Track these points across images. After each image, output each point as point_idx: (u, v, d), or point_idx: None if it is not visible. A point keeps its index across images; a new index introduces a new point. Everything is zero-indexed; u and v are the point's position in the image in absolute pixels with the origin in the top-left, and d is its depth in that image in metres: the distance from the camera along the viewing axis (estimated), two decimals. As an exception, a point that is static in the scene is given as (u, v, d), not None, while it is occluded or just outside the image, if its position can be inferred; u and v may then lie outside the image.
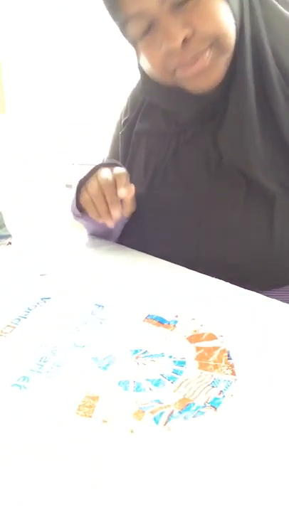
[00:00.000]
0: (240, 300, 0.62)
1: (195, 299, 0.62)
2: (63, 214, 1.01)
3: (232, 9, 0.63)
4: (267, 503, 0.34)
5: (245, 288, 0.64)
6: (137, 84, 0.84)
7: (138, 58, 0.70)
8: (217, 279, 0.67)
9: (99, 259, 0.77)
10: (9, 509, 0.34)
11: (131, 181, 0.78)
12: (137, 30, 0.64)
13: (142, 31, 0.64)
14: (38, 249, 0.83)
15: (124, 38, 0.68)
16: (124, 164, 0.84)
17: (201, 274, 0.69)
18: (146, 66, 0.68)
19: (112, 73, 2.29)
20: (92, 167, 0.80)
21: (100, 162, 0.82)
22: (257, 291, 0.63)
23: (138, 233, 0.80)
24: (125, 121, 0.85)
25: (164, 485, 0.35)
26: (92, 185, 0.76)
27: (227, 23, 0.62)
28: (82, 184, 0.79)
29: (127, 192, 0.73)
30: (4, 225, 0.88)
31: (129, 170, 0.81)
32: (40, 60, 2.50)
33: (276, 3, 0.68)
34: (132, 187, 0.74)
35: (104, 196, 0.75)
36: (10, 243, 0.86)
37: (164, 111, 0.78)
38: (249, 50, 0.66)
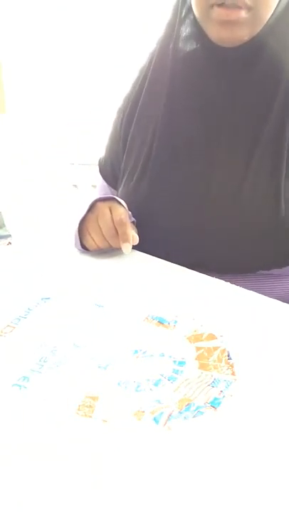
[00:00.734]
0: (240, 300, 0.62)
1: (195, 299, 0.62)
2: (63, 214, 1.01)
3: None
4: (267, 502, 0.34)
5: (244, 269, 0.66)
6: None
7: None
8: (217, 279, 0.67)
9: (99, 260, 0.77)
10: (9, 509, 0.34)
11: (133, 172, 0.81)
12: None
13: None
14: (38, 249, 0.83)
15: None
16: (125, 146, 0.85)
17: (201, 274, 0.69)
18: None
19: (112, 73, 2.29)
20: (88, 204, 0.80)
21: (97, 197, 0.82)
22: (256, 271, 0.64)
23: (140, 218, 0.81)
24: (126, 97, 0.86)
25: (164, 485, 0.35)
26: (96, 233, 0.77)
27: None
28: (81, 223, 0.79)
29: (130, 248, 0.74)
30: (4, 225, 0.88)
31: (131, 150, 0.83)
32: (40, 60, 2.50)
33: None
34: (136, 237, 0.75)
35: (109, 242, 0.77)
36: (10, 243, 0.86)
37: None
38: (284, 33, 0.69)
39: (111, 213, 0.76)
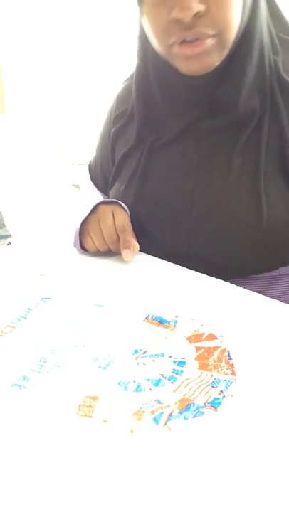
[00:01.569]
0: (240, 300, 0.62)
1: (195, 299, 0.62)
2: (64, 214, 1.01)
3: (245, 5, 0.64)
4: (267, 502, 0.34)
5: (234, 274, 0.66)
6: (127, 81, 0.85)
7: (140, 19, 0.69)
8: (217, 279, 0.67)
9: (99, 260, 0.77)
10: (9, 509, 0.34)
11: (124, 179, 0.80)
12: None
13: None
14: (38, 249, 0.83)
15: None
16: (116, 155, 0.85)
17: (201, 274, 0.69)
18: (147, 29, 0.68)
19: (113, 73, 2.29)
20: (91, 206, 0.80)
21: (99, 200, 0.82)
22: (249, 277, 0.64)
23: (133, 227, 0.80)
24: (116, 116, 0.86)
25: (164, 485, 0.35)
26: (97, 236, 0.77)
27: (236, 16, 0.63)
28: (83, 224, 0.79)
29: (131, 255, 0.74)
30: (4, 225, 0.88)
31: (122, 164, 0.82)
32: (40, 61, 2.50)
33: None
34: (137, 245, 0.75)
35: (109, 246, 0.77)
36: (10, 243, 0.86)
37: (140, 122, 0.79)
38: (252, 50, 0.67)
39: (114, 218, 0.77)
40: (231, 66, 0.67)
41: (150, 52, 0.72)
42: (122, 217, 0.77)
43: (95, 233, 0.77)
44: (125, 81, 0.87)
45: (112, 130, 0.86)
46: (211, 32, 0.62)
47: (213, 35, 0.63)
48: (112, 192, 0.86)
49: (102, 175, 0.93)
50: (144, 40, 0.72)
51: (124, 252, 0.74)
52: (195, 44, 0.63)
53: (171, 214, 0.75)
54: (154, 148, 0.78)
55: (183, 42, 0.64)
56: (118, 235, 0.75)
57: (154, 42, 0.68)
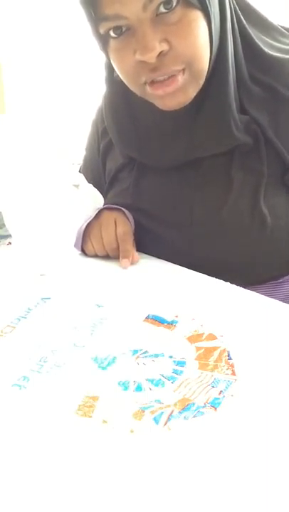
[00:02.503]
0: (240, 300, 0.62)
1: (195, 299, 0.62)
2: (64, 214, 1.01)
3: (211, 33, 0.61)
4: (267, 502, 0.34)
5: (238, 284, 0.65)
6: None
7: (107, 57, 0.67)
8: (217, 279, 0.67)
9: (99, 260, 0.77)
10: (9, 509, 0.34)
11: (117, 192, 0.80)
12: (112, 30, 0.61)
13: (118, 32, 0.60)
14: (38, 249, 0.83)
15: (92, 34, 0.64)
16: (107, 170, 0.85)
17: (201, 274, 0.69)
18: (116, 68, 0.66)
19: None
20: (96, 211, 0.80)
21: (103, 204, 0.82)
22: (246, 287, 0.64)
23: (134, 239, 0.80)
24: (104, 129, 0.84)
25: (164, 485, 0.35)
26: (97, 241, 0.77)
27: (203, 47, 0.61)
28: (85, 227, 0.79)
29: (129, 264, 0.74)
30: (4, 225, 0.88)
31: (115, 178, 0.82)
32: (40, 61, 2.50)
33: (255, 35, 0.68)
34: (136, 256, 0.75)
35: (108, 253, 0.77)
36: (10, 243, 0.86)
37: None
38: (227, 76, 0.65)
39: (116, 225, 0.77)
40: (208, 95, 0.66)
41: (122, 89, 0.70)
42: (123, 225, 0.77)
43: (96, 239, 0.77)
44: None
45: (101, 145, 0.86)
46: (178, 67, 0.60)
47: (182, 70, 0.61)
48: (105, 201, 0.85)
49: (94, 184, 0.93)
50: (112, 70, 0.70)
51: (123, 262, 0.74)
52: (166, 83, 0.62)
53: (169, 230, 0.75)
54: (145, 165, 0.77)
55: (153, 82, 0.62)
56: (118, 243, 0.75)
57: (125, 82, 0.66)
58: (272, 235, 0.69)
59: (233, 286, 0.65)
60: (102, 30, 0.61)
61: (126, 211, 0.79)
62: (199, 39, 0.60)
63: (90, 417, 0.42)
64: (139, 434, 0.40)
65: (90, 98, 2.48)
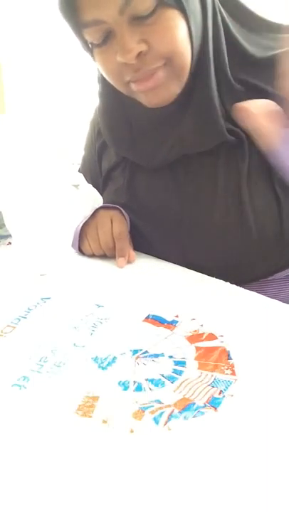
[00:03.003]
0: (240, 300, 0.62)
1: (195, 299, 0.62)
2: (64, 214, 1.01)
3: (191, 30, 0.62)
4: (267, 502, 0.34)
5: (234, 282, 0.65)
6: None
7: (96, 63, 0.69)
8: (217, 280, 0.67)
9: (99, 259, 0.77)
10: (9, 509, 0.34)
11: (111, 191, 0.80)
12: (93, 38, 0.63)
13: (99, 39, 0.62)
14: (38, 249, 0.83)
15: (79, 43, 0.67)
16: (102, 169, 0.85)
17: (201, 274, 0.69)
18: (101, 70, 0.68)
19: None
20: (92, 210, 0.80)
21: (99, 204, 0.82)
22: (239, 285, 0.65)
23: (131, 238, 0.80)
24: (100, 129, 0.85)
25: (164, 485, 0.35)
26: (93, 240, 0.77)
27: (183, 43, 0.62)
28: (82, 227, 0.79)
29: (126, 263, 0.74)
30: (4, 225, 0.88)
31: (108, 177, 0.83)
32: (40, 61, 2.50)
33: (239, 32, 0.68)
34: (133, 254, 0.75)
35: (105, 252, 0.77)
36: (10, 243, 0.86)
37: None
38: (210, 72, 0.66)
39: (112, 224, 0.77)
40: (193, 90, 0.66)
41: (114, 89, 0.70)
42: (120, 224, 0.77)
43: (92, 238, 0.77)
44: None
45: (97, 145, 0.86)
46: (160, 62, 0.62)
47: (164, 64, 0.62)
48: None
49: (92, 183, 0.93)
50: (103, 80, 0.71)
51: (119, 260, 0.74)
52: (146, 78, 0.63)
53: (161, 228, 0.75)
54: (136, 165, 0.77)
55: (136, 79, 0.64)
56: (115, 242, 0.75)
57: (112, 83, 0.68)
58: (258, 232, 0.69)
59: (233, 286, 0.65)
60: (86, 37, 0.63)
61: (122, 210, 0.79)
62: (177, 36, 0.61)
63: (90, 417, 0.42)
64: (139, 434, 0.40)
65: (89, 98, 2.48)
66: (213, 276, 0.68)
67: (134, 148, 0.76)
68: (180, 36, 0.61)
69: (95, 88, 0.80)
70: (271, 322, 0.56)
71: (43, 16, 2.42)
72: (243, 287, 0.64)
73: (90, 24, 0.61)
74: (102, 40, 0.62)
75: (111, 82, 0.67)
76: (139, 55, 0.60)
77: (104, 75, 0.67)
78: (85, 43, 0.65)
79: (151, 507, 0.34)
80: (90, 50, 0.66)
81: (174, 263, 0.74)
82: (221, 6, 0.67)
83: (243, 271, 0.72)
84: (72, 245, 0.80)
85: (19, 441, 0.40)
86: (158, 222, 0.75)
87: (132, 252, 0.76)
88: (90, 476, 0.36)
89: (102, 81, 0.74)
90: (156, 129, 0.72)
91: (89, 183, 0.94)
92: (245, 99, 0.66)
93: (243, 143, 0.68)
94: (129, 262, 0.74)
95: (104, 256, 0.78)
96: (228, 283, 0.66)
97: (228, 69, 0.67)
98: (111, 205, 0.80)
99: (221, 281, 0.67)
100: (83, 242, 0.78)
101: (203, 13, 0.64)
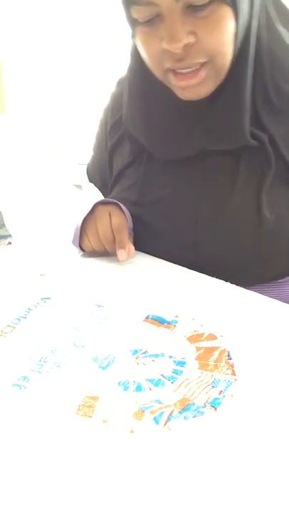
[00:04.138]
0: (240, 300, 0.62)
1: (195, 299, 0.62)
2: (64, 214, 1.01)
3: (237, 30, 0.62)
4: (267, 502, 0.34)
5: (241, 285, 0.65)
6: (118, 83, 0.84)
7: (134, 40, 0.68)
8: (217, 279, 0.67)
9: (99, 260, 0.77)
10: (9, 508, 0.34)
11: (123, 188, 0.80)
12: (140, 16, 0.61)
13: (145, 18, 0.61)
14: (38, 249, 0.83)
15: (124, 16, 0.65)
16: (114, 169, 0.84)
17: (201, 274, 0.69)
18: (142, 52, 0.66)
19: (113, 73, 2.29)
20: (90, 205, 0.80)
21: (98, 199, 0.82)
22: (247, 287, 0.64)
23: (137, 237, 0.80)
24: (112, 126, 0.85)
25: (164, 485, 0.35)
26: (93, 235, 0.77)
27: (228, 43, 0.62)
28: (81, 224, 0.78)
29: (126, 255, 0.74)
30: (4, 225, 0.88)
31: (121, 175, 0.82)
32: (40, 61, 2.50)
33: (283, 32, 0.68)
34: (132, 248, 0.75)
35: (105, 246, 0.77)
36: (10, 243, 0.86)
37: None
38: (246, 74, 0.66)
39: (110, 218, 0.77)
40: (226, 87, 0.67)
41: (145, 70, 0.70)
42: (118, 217, 0.77)
43: (92, 233, 0.77)
44: (112, 94, 0.87)
45: (108, 144, 0.86)
46: (202, 60, 0.62)
47: (205, 63, 0.62)
48: (110, 197, 0.85)
49: (101, 183, 0.93)
50: (137, 57, 0.70)
51: (120, 252, 0.74)
52: (189, 76, 0.63)
53: (175, 225, 0.75)
54: (154, 159, 0.77)
55: (177, 72, 0.64)
56: (114, 235, 0.75)
57: (149, 66, 0.67)
58: (273, 234, 0.69)
59: (233, 286, 0.65)
60: (133, 14, 0.62)
61: (121, 204, 0.79)
62: (225, 35, 0.61)
63: (90, 417, 0.42)
64: (139, 434, 0.40)
65: (90, 98, 2.48)
66: (223, 276, 0.67)
67: (153, 138, 0.76)
68: (227, 36, 0.61)
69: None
70: (271, 322, 0.56)
71: (43, 16, 2.42)
72: (250, 289, 0.64)
73: (141, 3, 0.60)
74: (147, 20, 0.61)
75: (149, 65, 0.67)
76: (186, 46, 0.60)
77: (143, 57, 0.66)
78: (130, 21, 0.64)
79: (151, 507, 0.34)
80: (133, 25, 0.64)
81: (185, 261, 0.73)
82: (269, 8, 0.67)
83: (254, 272, 0.72)
84: (73, 242, 0.80)
85: (19, 441, 0.40)
86: (172, 218, 0.75)
87: (132, 247, 0.75)
88: (90, 475, 0.36)
89: (135, 57, 0.72)
90: (182, 119, 0.72)
91: (97, 182, 0.94)
92: (281, 113, 0.67)
93: (266, 149, 0.69)
94: (128, 255, 0.74)
95: (104, 255, 0.78)
96: (228, 283, 0.66)
97: (269, 80, 0.67)
98: (109, 200, 0.80)
99: (221, 281, 0.67)
100: (83, 238, 0.78)
101: (250, 14, 0.64)
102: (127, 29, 0.67)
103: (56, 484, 0.36)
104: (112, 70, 2.27)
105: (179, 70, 0.63)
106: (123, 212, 0.78)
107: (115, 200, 0.79)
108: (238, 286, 0.65)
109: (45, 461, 0.38)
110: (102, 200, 0.81)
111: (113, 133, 0.84)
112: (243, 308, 0.59)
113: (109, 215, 0.77)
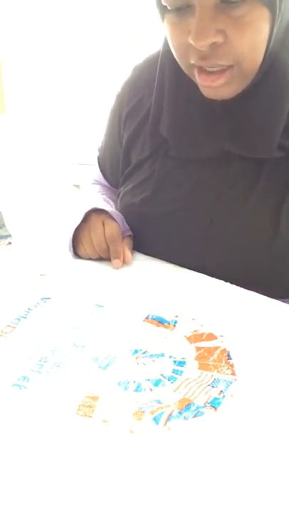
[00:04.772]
0: (240, 300, 0.62)
1: (195, 299, 0.62)
2: (63, 214, 1.01)
3: (272, 33, 0.58)
4: (267, 502, 0.34)
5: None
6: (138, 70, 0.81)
7: (162, 24, 0.64)
8: (217, 279, 0.67)
9: (99, 260, 0.77)
10: (9, 508, 0.34)
11: (138, 181, 0.78)
12: (172, 2, 0.57)
13: (178, 5, 0.57)
14: (38, 249, 0.83)
15: (154, 1, 0.61)
16: (131, 159, 0.82)
17: (201, 274, 0.69)
18: (169, 41, 0.63)
19: (113, 73, 2.29)
20: (82, 212, 0.78)
21: (91, 206, 0.80)
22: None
23: (143, 238, 0.79)
24: (131, 108, 0.81)
25: (163, 485, 0.35)
26: (88, 244, 0.77)
27: (258, 48, 0.58)
28: (76, 232, 0.78)
29: (121, 264, 0.73)
30: (4, 225, 0.88)
31: (137, 167, 0.80)
32: (40, 60, 2.50)
33: None
34: (128, 255, 0.74)
35: (100, 255, 0.77)
36: (10, 243, 0.86)
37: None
38: (278, 81, 0.63)
39: (104, 227, 0.76)
40: (258, 89, 0.64)
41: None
42: (112, 227, 0.76)
43: (87, 242, 0.77)
44: (136, 69, 0.82)
45: (124, 136, 0.82)
46: (227, 63, 0.59)
47: (231, 66, 0.59)
48: (122, 190, 0.83)
49: (111, 170, 0.90)
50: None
51: (114, 262, 0.74)
52: (213, 78, 0.60)
53: (185, 228, 0.73)
54: (172, 156, 0.75)
55: (202, 69, 0.61)
56: (108, 244, 0.75)
57: (175, 57, 0.65)
58: (286, 250, 0.67)
59: (233, 286, 0.65)
60: (161, 3, 0.58)
61: (114, 212, 0.78)
62: (256, 40, 0.57)
63: (90, 417, 0.42)
64: (139, 434, 0.40)
65: (90, 98, 2.48)
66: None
67: (176, 132, 0.73)
68: (259, 41, 0.57)
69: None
70: (271, 322, 0.56)
71: (43, 16, 2.42)
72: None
73: None
74: (177, 9, 0.57)
75: (175, 56, 0.64)
76: (213, 45, 0.56)
77: (171, 47, 0.63)
78: (159, 7, 0.60)
79: (151, 507, 0.34)
80: (162, 11, 0.61)
81: (192, 264, 0.72)
82: None
83: (261, 286, 0.67)
84: (69, 250, 0.80)
85: (19, 441, 0.40)
86: (183, 218, 0.73)
87: (128, 253, 0.75)
88: (90, 475, 0.36)
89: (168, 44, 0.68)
90: (207, 117, 0.69)
91: (107, 171, 0.92)
92: None
93: None
94: (125, 262, 0.74)
95: (101, 258, 0.78)
96: (228, 283, 0.66)
97: None
98: (102, 208, 0.79)
99: (221, 281, 0.66)
100: (78, 246, 0.79)
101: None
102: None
103: (56, 484, 0.36)
104: (112, 70, 2.27)
105: (204, 68, 0.60)
106: (115, 220, 0.77)
107: (107, 209, 0.78)
108: (238, 287, 0.65)
109: (46, 461, 0.38)
110: (94, 209, 0.80)
111: (130, 121, 0.81)
112: (243, 308, 0.59)
113: (103, 224, 0.77)
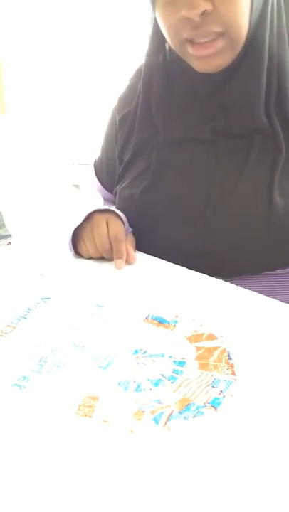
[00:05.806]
0: (240, 300, 0.62)
1: (195, 299, 0.62)
2: (63, 214, 1.01)
3: (253, 3, 0.64)
4: (267, 502, 0.34)
5: (247, 271, 0.67)
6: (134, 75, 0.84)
7: (154, 14, 0.70)
8: (217, 279, 0.67)
9: (99, 260, 0.77)
10: (9, 508, 0.34)
11: (134, 174, 0.80)
12: None
13: None
14: (38, 249, 0.83)
15: None
16: (124, 159, 0.84)
17: (201, 274, 0.69)
18: (161, 23, 0.69)
19: (113, 73, 2.29)
20: (85, 214, 0.79)
21: (94, 208, 0.81)
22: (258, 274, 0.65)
23: (143, 229, 0.80)
24: (122, 117, 0.84)
25: (163, 485, 0.35)
26: (90, 243, 0.77)
27: (243, 15, 0.64)
28: (76, 230, 0.78)
29: (124, 264, 0.74)
30: (4, 225, 0.88)
31: (130, 164, 0.82)
32: (40, 60, 2.50)
33: None
34: (132, 255, 0.75)
35: (103, 254, 0.77)
36: (10, 243, 0.86)
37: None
38: (263, 49, 0.68)
39: (108, 226, 0.76)
40: (241, 64, 0.69)
41: (162, 51, 0.74)
42: (116, 226, 0.76)
43: (89, 241, 0.77)
44: (129, 80, 0.86)
45: (119, 134, 0.85)
46: (218, 29, 0.64)
47: (222, 34, 0.65)
48: (119, 188, 0.84)
49: (107, 176, 0.92)
50: (155, 38, 0.74)
51: (117, 262, 0.74)
52: (206, 46, 0.66)
53: (186, 210, 0.75)
54: (166, 144, 0.78)
55: (194, 42, 0.66)
56: (111, 244, 0.75)
57: (167, 38, 0.70)
58: (283, 219, 0.69)
59: (233, 286, 0.65)
60: None
61: (118, 212, 0.78)
62: (241, 7, 0.64)
63: (90, 417, 0.42)
64: (139, 434, 0.40)
65: (90, 98, 2.48)
66: (233, 261, 0.69)
67: (170, 117, 0.77)
68: (242, 7, 0.64)
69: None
70: (271, 322, 0.56)
71: (43, 16, 2.42)
72: (257, 278, 0.64)
73: None
74: None
75: (168, 36, 0.69)
76: (203, 13, 0.63)
77: (162, 30, 0.69)
78: None
79: (151, 507, 0.34)
80: (153, 4, 0.68)
81: (195, 247, 0.73)
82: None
83: (263, 258, 0.73)
84: (69, 248, 0.80)
85: (19, 441, 0.40)
86: (183, 202, 0.75)
87: (132, 253, 0.75)
88: (90, 475, 0.36)
89: (152, 41, 0.76)
90: (197, 98, 0.74)
91: (103, 177, 0.93)
92: None
93: (277, 133, 0.70)
94: (129, 263, 0.74)
95: (102, 257, 0.78)
96: (228, 283, 0.66)
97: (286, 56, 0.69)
98: (106, 208, 0.80)
99: (221, 281, 0.67)
100: (80, 245, 0.78)
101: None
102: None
103: (56, 484, 0.36)
104: (112, 70, 2.27)
105: (196, 40, 0.66)
106: (120, 219, 0.78)
107: (112, 208, 0.79)
108: (238, 286, 0.65)
109: (46, 461, 0.38)
110: (98, 209, 0.80)
111: (123, 124, 0.84)
112: (243, 308, 0.59)
113: (107, 224, 0.77)
